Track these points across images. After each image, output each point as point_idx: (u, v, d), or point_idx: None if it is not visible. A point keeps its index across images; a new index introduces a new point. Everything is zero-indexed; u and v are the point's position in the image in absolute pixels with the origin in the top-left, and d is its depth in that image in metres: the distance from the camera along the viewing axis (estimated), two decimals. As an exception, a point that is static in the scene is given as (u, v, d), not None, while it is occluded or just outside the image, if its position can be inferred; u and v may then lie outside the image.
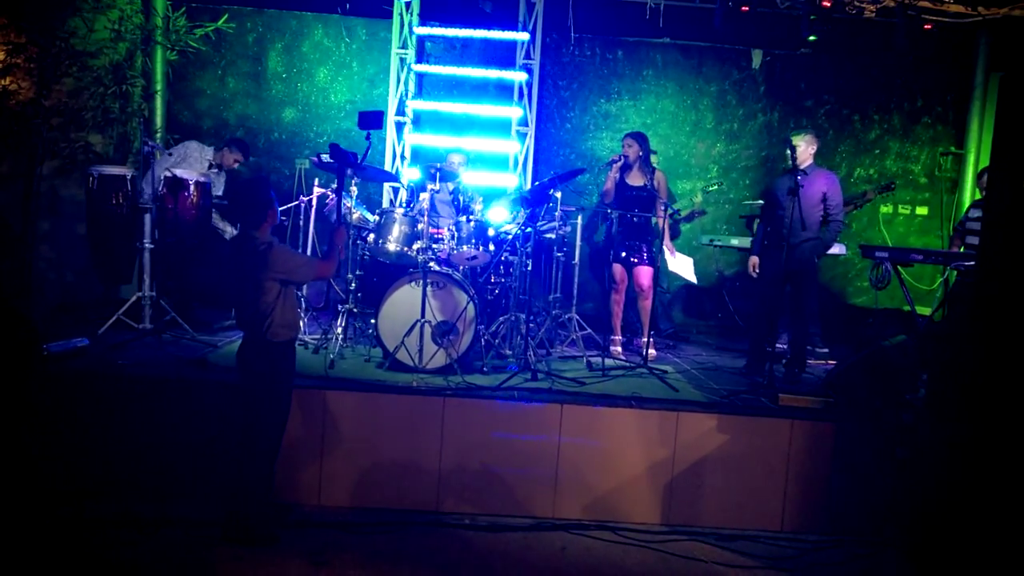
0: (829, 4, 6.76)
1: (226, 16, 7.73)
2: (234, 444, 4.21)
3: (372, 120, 4.75)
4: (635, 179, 6.43)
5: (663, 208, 6.26)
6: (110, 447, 4.69)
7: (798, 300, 6.01)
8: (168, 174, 6.19)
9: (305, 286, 6.32)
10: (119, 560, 3.96)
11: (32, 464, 4.61)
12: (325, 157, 5.06)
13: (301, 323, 5.89)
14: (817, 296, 7.67)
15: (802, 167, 5.92)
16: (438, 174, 5.80)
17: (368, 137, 6.87)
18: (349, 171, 5.33)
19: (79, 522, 4.28)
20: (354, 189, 6.14)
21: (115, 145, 7.37)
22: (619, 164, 6.35)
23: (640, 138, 6.47)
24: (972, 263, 5.58)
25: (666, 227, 6.37)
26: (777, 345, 6.22)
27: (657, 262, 6.53)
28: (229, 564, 3.98)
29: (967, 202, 8.25)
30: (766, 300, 6.17)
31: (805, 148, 5.94)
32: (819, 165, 6.14)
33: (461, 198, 6.64)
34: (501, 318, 6.32)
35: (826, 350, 7.41)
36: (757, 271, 6.23)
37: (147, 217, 6.12)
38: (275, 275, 4.07)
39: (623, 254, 6.44)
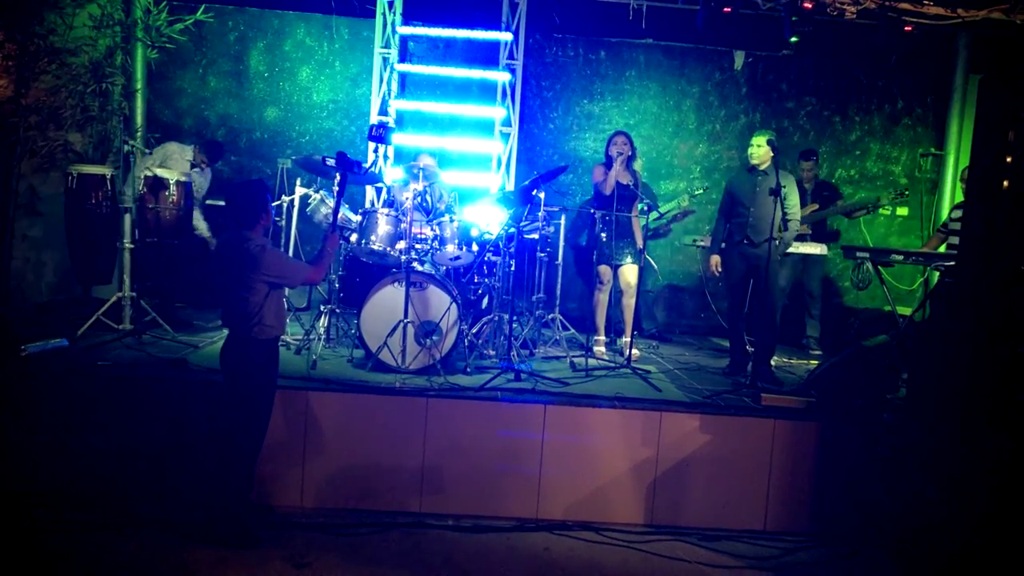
0: (810, 6, 6.79)
1: (203, 8, 7.67)
2: (215, 444, 4.18)
3: (382, 136, 5.40)
4: (622, 177, 6.45)
5: (646, 207, 6.28)
6: (89, 449, 4.64)
7: (765, 298, 6.02)
8: (149, 174, 6.14)
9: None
10: (98, 563, 3.91)
11: (8, 466, 4.58)
12: (330, 162, 5.11)
13: (286, 322, 5.86)
14: (821, 300, 7.74)
15: (763, 168, 5.99)
16: (421, 173, 5.80)
17: (376, 150, 7.03)
18: (336, 175, 5.36)
19: (57, 524, 4.23)
20: (336, 188, 6.11)
21: (94, 144, 7.30)
22: (623, 157, 6.35)
23: (629, 138, 6.54)
24: (953, 263, 5.63)
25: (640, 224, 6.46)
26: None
27: (642, 260, 6.55)
28: (210, 566, 3.94)
29: (947, 202, 8.32)
30: (738, 300, 6.23)
31: (768, 149, 5.98)
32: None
33: (428, 198, 6.59)
34: (484, 319, 6.31)
35: (819, 352, 7.47)
36: (720, 270, 6.26)
37: (127, 217, 6.08)
38: (266, 277, 4.06)
39: (609, 253, 6.45)
